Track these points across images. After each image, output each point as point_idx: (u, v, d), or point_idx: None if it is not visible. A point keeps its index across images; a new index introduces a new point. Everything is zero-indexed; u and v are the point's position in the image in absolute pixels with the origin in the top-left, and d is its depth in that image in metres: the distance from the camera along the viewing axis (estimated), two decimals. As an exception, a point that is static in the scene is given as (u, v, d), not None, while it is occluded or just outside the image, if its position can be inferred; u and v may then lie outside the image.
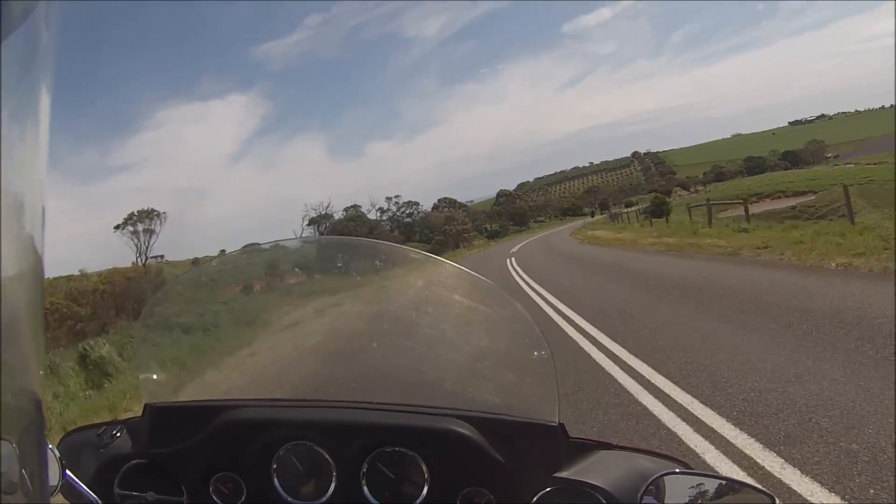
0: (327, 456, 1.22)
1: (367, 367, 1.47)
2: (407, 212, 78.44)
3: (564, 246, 27.01)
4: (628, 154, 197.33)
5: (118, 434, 1.34)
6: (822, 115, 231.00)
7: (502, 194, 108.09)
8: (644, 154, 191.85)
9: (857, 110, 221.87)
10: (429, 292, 1.41)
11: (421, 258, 1.41)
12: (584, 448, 1.20)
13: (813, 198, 38.16)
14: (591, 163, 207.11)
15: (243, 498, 1.25)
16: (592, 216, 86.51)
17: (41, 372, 0.55)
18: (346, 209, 67.65)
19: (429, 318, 1.42)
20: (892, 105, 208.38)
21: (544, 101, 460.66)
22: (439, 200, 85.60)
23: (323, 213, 64.09)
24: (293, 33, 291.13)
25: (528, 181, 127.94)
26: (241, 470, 1.25)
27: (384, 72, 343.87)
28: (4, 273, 0.48)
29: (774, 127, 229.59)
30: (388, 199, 74.75)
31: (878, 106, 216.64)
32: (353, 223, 62.78)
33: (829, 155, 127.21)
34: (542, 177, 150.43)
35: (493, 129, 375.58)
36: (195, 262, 44.11)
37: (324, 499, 1.22)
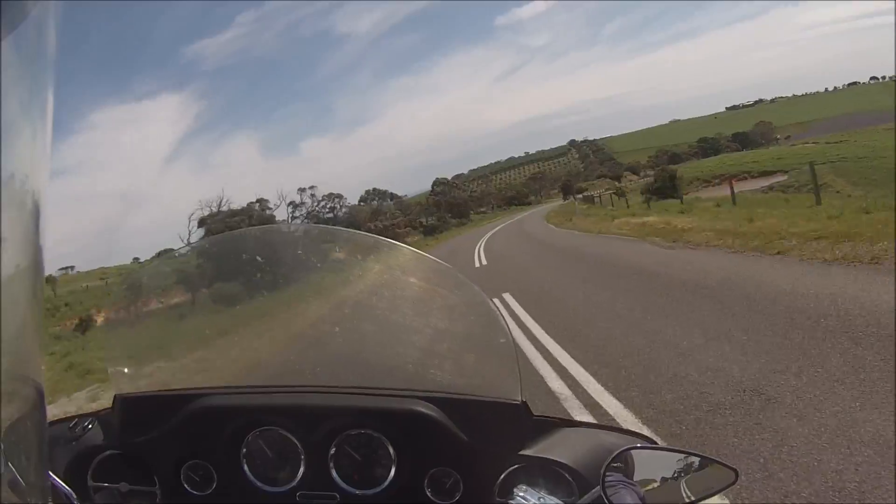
0: (295, 441, 1.28)
1: (331, 352, 1.54)
2: (328, 206, 70.92)
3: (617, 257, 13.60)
4: (564, 143, 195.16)
5: (89, 426, 1.38)
6: (760, 100, 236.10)
7: (439, 183, 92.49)
8: (581, 142, 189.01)
9: (794, 95, 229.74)
10: (388, 277, 1.46)
11: (380, 243, 1.47)
12: (548, 426, 1.23)
13: (783, 178, 38.12)
14: (527, 152, 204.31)
15: (214, 485, 1.30)
16: (565, 199, 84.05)
17: (42, 369, 0.57)
18: (243, 207, 59.64)
19: (389, 302, 1.48)
20: (829, 89, 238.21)
21: (479, 94, 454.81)
22: (367, 192, 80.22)
23: (217, 210, 57.30)
24: (226, 31, 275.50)
25: (463, 173, 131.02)
26: (212, 457, 1.30)
27: (319, 68, 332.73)
28: (4, 273, 0.48)
29: (712, 113, 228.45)
30: (301, 190, 59.17)
31: (814, 91, 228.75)
32: (237, 219, 49.24)
33: (778, 136, 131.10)
34: (477, 168, 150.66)
35: (430, 123, 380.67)
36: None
37: (293, 483, 1.27)
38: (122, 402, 1.39)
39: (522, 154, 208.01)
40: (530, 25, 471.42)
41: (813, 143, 68.43)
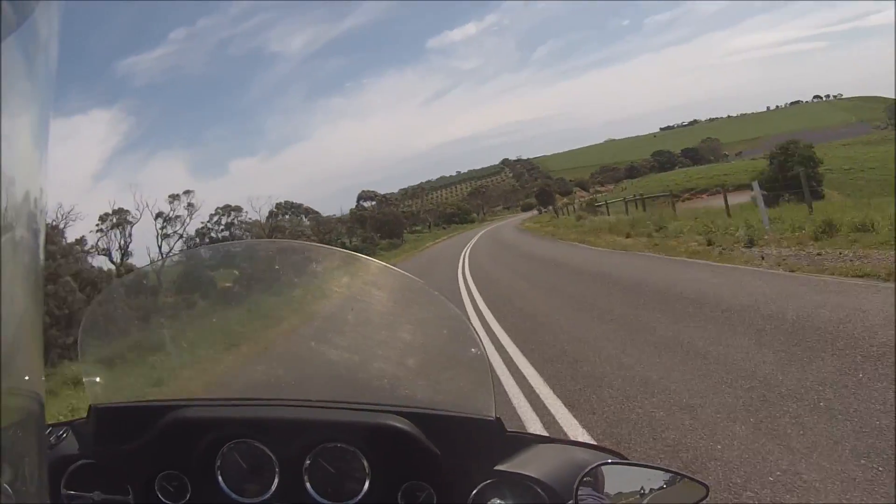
0: (270, 453, 1.30)
1: (306, 366, 1.59)
2: (225, 221, 57.13)
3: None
4: (496, 162, 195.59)
5: (64, 435, 1.41)
6: (695, 121, 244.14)
7: (365, 196, 74.93)
8: (515, 161, 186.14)
9: (730, 116, 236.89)
10: (362, 291, 1.51)
11: (355, 258, 1.55)
12: (522, 442, 1.27)
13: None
14: (459, 171, 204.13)
15: (188, 496, 1.34)
16: (540, 211, 75.01)
17: (41, 377, 0.57)
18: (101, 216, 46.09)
19: (363, 316, 1.53)
20: (770, 108, 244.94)
21: (409, 115, 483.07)
22: (277, 206, 65.44)
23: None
24: (158, 48, 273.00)
25: (394, 192, 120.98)
26: (186, 469, 1.34)
27: (249, 87, 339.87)
28: (4, 273, 0.48)
29: (645, 133, 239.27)
30: (174, 198, 51.35)
31: (751, 111, 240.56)
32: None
33: (727, 153, 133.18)
34: (407, 188, 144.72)
35: (359, 144, 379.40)
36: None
37: (267, 495, 1.30)
38: (97, 411, 1.40)
39: (454, 173, 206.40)
40: (461, 49, 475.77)
41: (752, 159, 71.69)
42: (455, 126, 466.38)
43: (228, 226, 57.25)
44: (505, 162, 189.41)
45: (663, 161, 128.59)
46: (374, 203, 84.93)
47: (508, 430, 1.26)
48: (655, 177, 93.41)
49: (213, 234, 53.85)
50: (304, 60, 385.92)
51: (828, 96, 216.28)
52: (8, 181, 0.48)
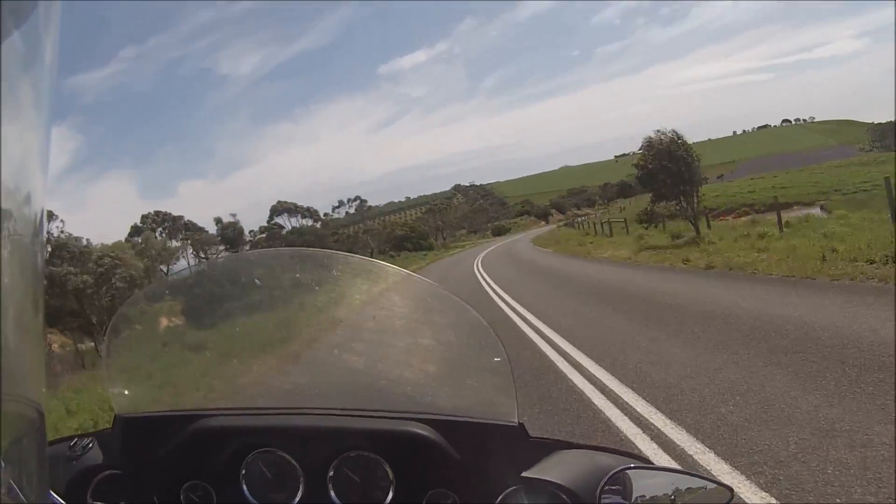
0: (294, 462, 1.29)
1: (329, 374, 1.56)
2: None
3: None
4: (447, 189, 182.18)
5: (90, 446, 1.37)
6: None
7: (282, 209, 55.97)
8: (467, 186, 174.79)
9: (693, 142, 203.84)
10: (383, 299, 1.48)
11: (376, 265, 1.50)
12: (545, 447, 1.23)
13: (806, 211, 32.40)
14: (408, 197, 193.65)
15: None
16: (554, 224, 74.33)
17: (43, 388, 0.55)
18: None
19: (385, 324, 1.51)
20: (737, 132, 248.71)
21: (358, 142, 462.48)
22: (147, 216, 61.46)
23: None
24: (107, 65, 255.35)
25: (339, 217, 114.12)
26: (211, 478, 1.32)
27: (199, 109, 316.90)
28: (4, 272, 0.47)
29: (598, 161, 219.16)
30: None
31: (713, 137, 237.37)
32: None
33: (707, 176, 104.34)
34: (354, 212, 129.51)
35: (307, 169, 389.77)
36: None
37: None
38: (122, 421, 1.37)
39: (403, 199, 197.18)
40: (411, 76, 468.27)
41: (759, 177, 68.80)
42: (404, 153, 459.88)
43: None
44: (457, 188, 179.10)
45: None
46: (302, 219, 65.30)
47: (532, 435, 1.24)
48: (645, 198, 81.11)
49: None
50: (254, 83, 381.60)
51: (798, 120, 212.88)
52: (8, 181, 0.47)
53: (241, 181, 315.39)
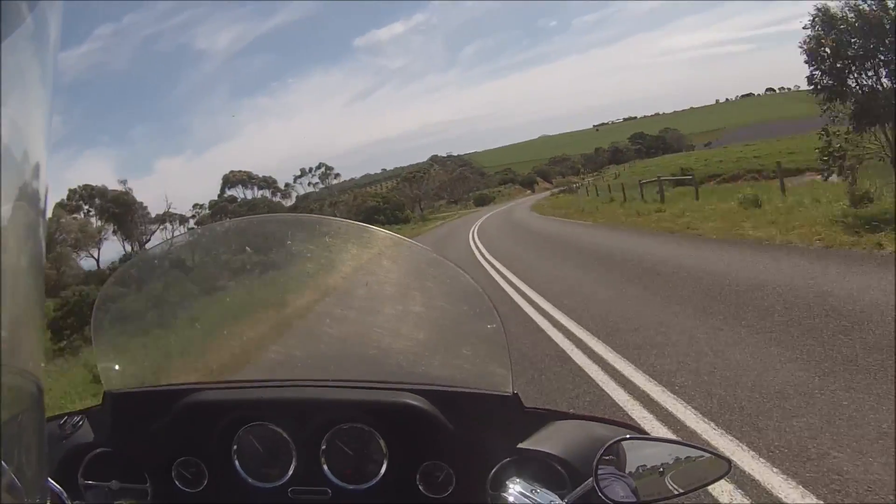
0: (286, 435, 1.28)
1: (320, 345, 1.53)
2: None
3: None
4: (424, 160, 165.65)
5: (80, 423, 1.36)
6: (631, 118, 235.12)
7: (235, 180, 46.82)
8: (445, 157, 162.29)
9: (675, 111, 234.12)
10: (376, 266, 1.43)
11: (370, 231, 1.45)
12: (540, 418, 1.23)
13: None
14: (384, 169, 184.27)
15: (206, 482, 1.30)
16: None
17: (41, 366, 0.56)
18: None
19: (378, 292, 1.47)
20: (720, 100, 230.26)
21: (335, 115, 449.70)
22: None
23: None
24: (83, 44, 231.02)
25: (302, 188, 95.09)
26: (203, 454, 1.30)
27: (176, 85, 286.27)
28: (5, 269, 0.47)
29: (577, 130, 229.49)
30: None
31: (696, 106, 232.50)
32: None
33: (693, 144, 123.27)
34: (320, 183, 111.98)
35: (284, 143, 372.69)
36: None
37: (285, 479, 1.26)
38: (112, 398, 1.35)
39: (379, 171, 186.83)
40: (388, 47, 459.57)
41: (752, 144, 65.29)
42: (382, 125, 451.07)
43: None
44: (434, 158, 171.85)
45: (650, 147, 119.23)
46: (259, 190, 56.95)
47: (526, 405, 1.22)
48: (644, 163, 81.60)
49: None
50: (231, 58, 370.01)
51: (783, 88, 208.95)
52: (8, 179, 0.48)
53: (218, 157, 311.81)
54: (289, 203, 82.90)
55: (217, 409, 1.28)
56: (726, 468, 1.11)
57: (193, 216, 63.23)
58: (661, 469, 1.08)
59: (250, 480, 1.26)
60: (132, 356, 1.51)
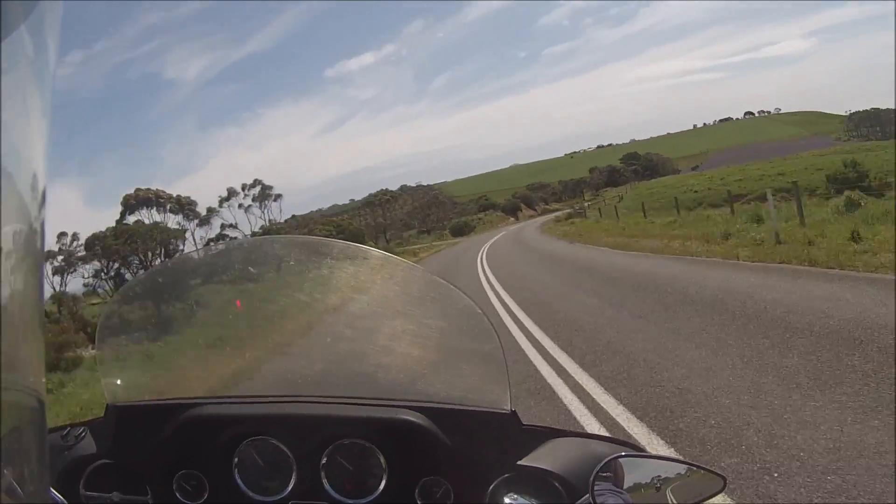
0: (286, 450, 1.27)
1: (321, 362, 1.53)
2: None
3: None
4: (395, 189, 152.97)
5: (82, 435, 1.34)
6: (602, 146, 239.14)
7: (140, 199, 33.23)
8: (414, 187, 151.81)
9: (651, 137, 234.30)
10: (374, 286, 1.45)
11: (370, 253, 1.48)
12: (537, 435, 1.22)
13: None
14: (353, 199, 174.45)
15: (206, 495, 1.29)
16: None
17: (43, 378, 0.53)
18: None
19: (378, 311, 1.49)
20: (698, 125, 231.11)
21: (304, 145, 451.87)
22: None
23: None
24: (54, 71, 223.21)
25: (279, 221, 73.24)
26: (204, 467, 1.29)
27: (145, 114, 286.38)
28: (4, 278, 0.46)
29: (547, 159, 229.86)
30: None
31: (672, 132, 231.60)
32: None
33: (679, 168, 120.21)
34: (298, 215, 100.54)
35: (252, 175, 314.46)
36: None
37: (285, 493, 1.26)
38: (114, 410, 1.34)
39: (348, 201, 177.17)
40: (358, 78, 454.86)
41: (743, 166, 63.72)
42: (351, 156, 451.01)
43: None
44: (403, 188, 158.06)
45: (645, 170, 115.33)
46: (169, 214, 44.20)
47: (524, 423, 1.22)
48: (647, 185, 73.52)
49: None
50: (200, 87, 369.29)
51: (763, 112, 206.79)
52: (8, 179, 0.46)
53: (188, 187, 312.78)
54: (209, 233, 60.36)
55: (219, 423, 1.28)
56: (722, 484, 1.11)
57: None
58: (658, 486, 1.08)
59: (251, 494, 1.25)
60: (135, 370, 1.51)
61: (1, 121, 0.44)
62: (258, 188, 66.51)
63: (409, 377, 1.36)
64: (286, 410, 1.31)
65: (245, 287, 1.49)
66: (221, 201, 64.57)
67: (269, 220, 62.49)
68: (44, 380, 0.53)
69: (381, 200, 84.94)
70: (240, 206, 65.43)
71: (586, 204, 37.85)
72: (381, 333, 1.43)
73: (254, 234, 53.83)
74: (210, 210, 62.32)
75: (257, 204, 65.85)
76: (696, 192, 50.46)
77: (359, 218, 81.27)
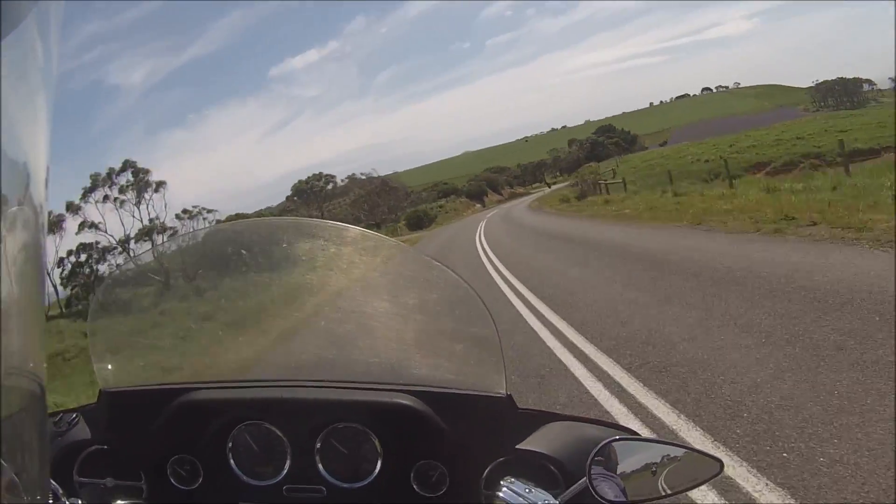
0: (281, 435, 1.25)
1: (316, 346, 1.51)
2: None
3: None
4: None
5: (76, 421, 1.32)
6: (555, 129, 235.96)
7: None
8: (363, 179, 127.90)
9: (591, 120, 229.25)
10: (372, 269, 1.42)
11: (365, 235, 1.43)
12: (533, 418, 1.21)
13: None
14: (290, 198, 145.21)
15: (201, 479, 1.27)
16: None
17: (43, 364, 0.53)
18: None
19: (373, 295, 1.44)
20: (654, 103, 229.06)
21: (253, 146, 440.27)
22: None
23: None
24: None
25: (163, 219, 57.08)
26: (198, 452, 1.28)
27: (91, 122, 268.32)
28: (5, 269, 0.45)
29: (500, 144, 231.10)
30: None
31: (628, 111, 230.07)
32: None
33: (647, 145, 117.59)
34: (244, 213, 75.41)
35: (201, 178, 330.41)
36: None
37: (279, 477, 1.24)
38: (107, 396, 1.32)
39: (295, 199, 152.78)
40: (303, 76, 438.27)
41: (703, 142, 59.91)
42: (299, 155, 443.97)
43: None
44: (353, 179, 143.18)
45: (624, 139, 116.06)
46: None
47: (520, 406, 1.21)
48: (640, 156, 71.32)
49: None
50: (146, 93, 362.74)
51: (721, 87, 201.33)
52: (8, 179, 0.46)
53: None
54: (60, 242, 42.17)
55: (212, 408, 1.27)
56: (717, 468, 1.09)
57: None
58: (653, 469, 1.07)
59: (245, 478, 1.24)
60: (128, 355, 1.47)
61: (1, 118, 0.44)
62: (129, 173, 42.22)
63: (405, 361, 1.34)
64: (280, 395, 1.28)
65: (237, 271, 1.43)
66: (85, 193, 41.81)
67: (151, 218, 40.30)
68: (45, 365, 0.53)
69: (313, 188, 69.49)
70: (105, 198, 41.70)
71: (603, 181, 27.00)
72: (376, 317, 1.38)
73: (127, 237, 39.34)
74: (70, 206, 40.96)
75: (131, 196, 42.32)
76: (707, 161, 42.04)
77: (287, 212, 65.58)
